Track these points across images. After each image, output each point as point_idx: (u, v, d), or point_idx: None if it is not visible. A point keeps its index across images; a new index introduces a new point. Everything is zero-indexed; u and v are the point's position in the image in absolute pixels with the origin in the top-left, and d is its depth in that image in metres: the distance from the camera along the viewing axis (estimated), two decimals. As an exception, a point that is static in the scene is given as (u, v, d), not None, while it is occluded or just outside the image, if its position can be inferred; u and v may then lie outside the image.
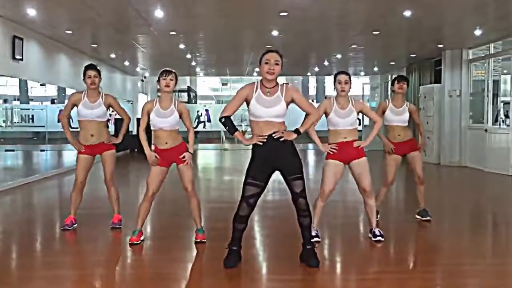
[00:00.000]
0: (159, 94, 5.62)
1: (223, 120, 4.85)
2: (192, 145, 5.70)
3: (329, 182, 5.64)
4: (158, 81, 5.55)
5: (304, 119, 5.04)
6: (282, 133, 4.72)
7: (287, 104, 4.78)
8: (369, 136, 5.80)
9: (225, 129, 4.93)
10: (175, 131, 5.62)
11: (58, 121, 19.58)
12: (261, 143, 4.70)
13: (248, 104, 4.80)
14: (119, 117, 6.57)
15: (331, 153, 5.61)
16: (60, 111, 20.17)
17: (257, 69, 18.90)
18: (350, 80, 5.66)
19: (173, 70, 5.59)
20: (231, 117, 4.86)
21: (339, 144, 5.61)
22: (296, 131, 4.84)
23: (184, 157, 5.56)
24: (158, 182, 5.64)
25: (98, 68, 6.37)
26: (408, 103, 6.72)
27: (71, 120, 6.55)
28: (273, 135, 4.70)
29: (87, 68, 6.30)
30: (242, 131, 5.04)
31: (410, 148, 6.65)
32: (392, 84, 6.76)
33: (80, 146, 6.27)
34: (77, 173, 6.33)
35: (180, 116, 5.59)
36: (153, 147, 5.65)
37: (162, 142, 5.58)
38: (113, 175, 6.41)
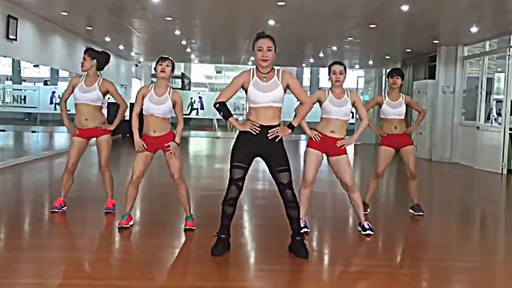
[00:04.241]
0: (153, 79, 5.61)
1: (217, 105, 4.83)
2: (180, 136, 5.68)
3: (310, 172, 5.65)
4: (155, 68, 5.56)
5: (296, 108, 5.03)
6: (277, 132, 4.72)
7: (284, 90, 4.77)
8: (353, 135, 5.77)
9: (219, 115, 4.92)
10: (166, 120, 5.61)
11: (51, 103, 19.54)
12: (254, 132, 4.70)
13: (246, 92, 4.79)
14: (113, 101, 6.55)
15: (314, 140, 5.62)
16: (53, 92, 20.11)
17: (252, 58, 18.88)
18: (345, 71, 5.65)
19: (170, 58, 5.59)
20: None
21: (324, 136, 5.61)
22: (290, 126, 4.84)
23: (169, 146, 5.55)
24: (143, 167, 5.64)
25: (93, 49, 6.39)
26: (403, 95, 6.73)
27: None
28: (267, 135, 4.71)
29: (84, 52, 6.35)
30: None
31: (404, 142, 6.65)
32: (387, 78, 6.77)
33: (74, 129, 6.25)
34: (70, 155, 6.31)
35: (174, 106, 5.58)
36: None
37: (150, 130, 5.56)
38: (108, 161, 6.39)
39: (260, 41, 4.76)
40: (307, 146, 5.70)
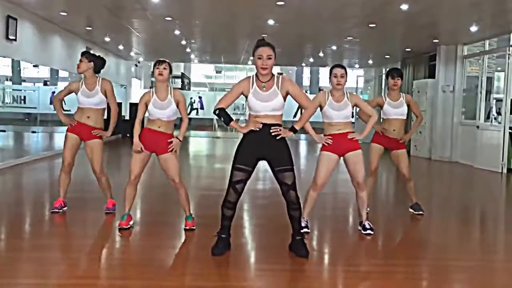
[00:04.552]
0: (152, 79, 5.62)
1: (217, 112, 4.83)
2: (183, 133, 5.68)
3: (322, 175, 5.64)
4: (153, 72, 5.58)
5: (296, 111, 5.03)
6: (279, 130, 4.72)
7: (284, 97, 4.77)
8: (365, 129, 5.75)
9: (220, 120, 4.91)
10: (172, 122, 5.61)
11: (51, 103, 19.47)
12: (257, 129, 4.70)
13: (246, 98, 4.80)
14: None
15: (326, 144, 5.61)
16: (53, 92, 20.07)
17: (252, 58, 18.84)
18: (346, 74, 5.64)
19: (167, 60, 5.59)
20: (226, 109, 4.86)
21: (334, 136, 5.61)
22: (292, 129, 4.85)
23: (171, 142, 5.54)
24: (140, 167, 5.64)
25: (90, 53, 6.40)
26: (403, 94, 6.73)
27: (63, 102, 6.51)
28: (271, 130, 4.70)
29: (81, 54, 6.36)
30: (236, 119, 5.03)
31: (396, 146, 6.66)
32: (387, 78, 6.75)
33: (72, 121, 6.24)
34: (64, 154, 6.29)
35: (177, 105, 5.58)
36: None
37: (155, 126, 5.56)
38: (101, 166, 6.33)
39: (260, 50, 4.75)
40: (321, 150, 5.69)
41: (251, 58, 19.46)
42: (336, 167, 5.74)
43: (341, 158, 5.70)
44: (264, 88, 4.75)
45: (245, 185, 4.81)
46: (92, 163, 6.30)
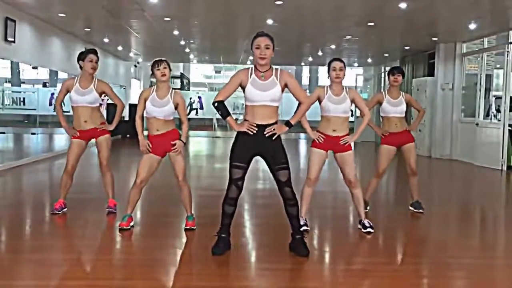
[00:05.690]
0: (152, 79, 5.62)
1: (216, 104, 4.83)
2: (185, 135, 5.68)
3: (313, 170, 5.69)
4: (152, 73, 5.54)
5: (296, 109, 5.05)
6: (274, 129, 4.72)
7: (282, 89, 4.77)
8: (357, 132, 5.79)
9: (217, 113, 4.91)
10: (168, 121, 5.60)
11: (50, 105, 19.49)
12: (251, 133, 4.70)
13: (243, 90, 4.79)
14: (111, 102, 6.53)
15: (318, 142, 5.63)
16: (52, 94, 20.08)
17: (251, 57, 18.87)
18: (345, 68, 5.66)
19: (164, 59, 5.57)
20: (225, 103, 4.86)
21: (327, 136, 5.62)
22: (288, 123, 4.85)
23: (175, 144, 5.54)
24: (148, 171, 5.62)
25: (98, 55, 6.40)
26: (403, 93, 6.73)
27: (63, 103, 6.51)
28: (264, 132, 4.70)
29: (90, 52, 6.31)
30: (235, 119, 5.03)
31: (406, 140, 6.65)
32: (388, 76, 6.75)
33: (73, 131, 6.24)
34: (68, 158, 6.30)
35: (176, 107, 5.57)
36: (146, 132, 5.63)
37: (153, 129, 5.56)
38: (108, 161, 6.38)
39: (258, 39, 4.75)
40: (311, 146, 5.72)
41: (251, 58, 19.53)
42: (325, 161, 5.76)
43: (330, 154, 5.74)
44: (263, 78, 4.74)
45: (244, 180, 4.84)
46: (100, 156, 6.35)
